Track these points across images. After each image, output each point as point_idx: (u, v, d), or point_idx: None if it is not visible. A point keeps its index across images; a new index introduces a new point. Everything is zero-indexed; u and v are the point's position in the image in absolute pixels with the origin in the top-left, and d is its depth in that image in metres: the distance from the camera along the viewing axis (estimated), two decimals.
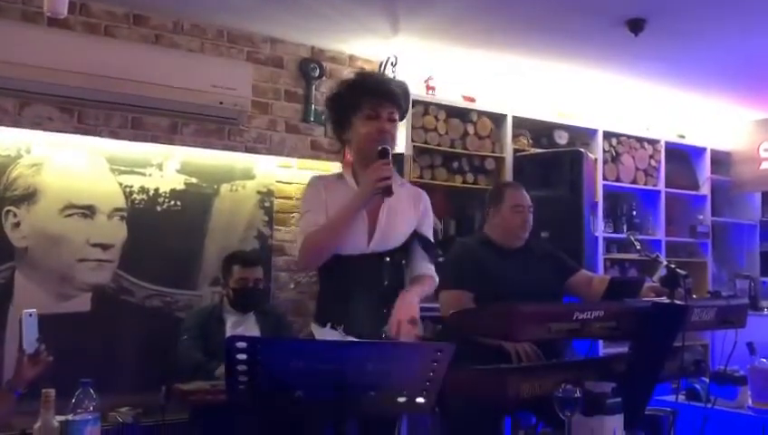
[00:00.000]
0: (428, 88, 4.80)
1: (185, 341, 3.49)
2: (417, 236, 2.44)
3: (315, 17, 3.96)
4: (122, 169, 3.89)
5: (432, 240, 2.50)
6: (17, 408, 2.50)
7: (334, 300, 2.37)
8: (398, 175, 2.48)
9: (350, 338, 2.27)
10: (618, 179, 5.62)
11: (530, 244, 3.31)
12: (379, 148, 2.28)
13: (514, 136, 5.09)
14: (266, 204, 4.30)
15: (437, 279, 2.55)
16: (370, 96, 2.36)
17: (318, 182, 2.47)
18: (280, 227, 4.34)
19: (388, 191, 2.21)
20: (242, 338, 1.64)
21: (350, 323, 2.29)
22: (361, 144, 2.39)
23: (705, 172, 6.14)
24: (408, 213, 2.46)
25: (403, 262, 2.40)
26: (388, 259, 2.36)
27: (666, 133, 5.96)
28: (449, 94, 4.90)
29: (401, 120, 2.46)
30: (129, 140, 3.84)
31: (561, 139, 5.33)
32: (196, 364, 3.37)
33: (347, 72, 4.55)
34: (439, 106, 4.80)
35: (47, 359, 2.48)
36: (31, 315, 2.44)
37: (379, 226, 2.36)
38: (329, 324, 2.32)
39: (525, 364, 2.61)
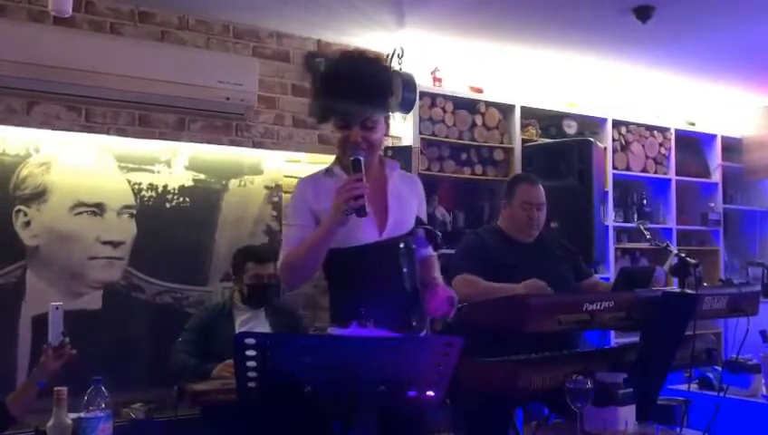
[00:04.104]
0: (435, 79, 4.78)
1: (179, 343, 3.50)
2: (420, 223, 2.38)
3: (321, 11, 3.95)
4: (131, 166, 3.90)
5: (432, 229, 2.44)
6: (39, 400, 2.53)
7: (354, 296, 2.24)
8: (391, 160, 2.44)
9: (381, 333, 2.16)
10: (627, 168, 5.59)
11: (544, 237, 3.30)
12: (351, 159, 2.14)
13: (523, 126, 5.07)
14: (275, 199, 4.30)
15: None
16: (340, 106, 2.22)
17: (303, 186, 2.35)
18: None
19: (361, 211, 2.06)
20: (251, 334, 1.64)
21: (379, 317, 2.18)
22: (337, 149, 2.34)
23: (715, 159, 6.10)
24: (412, 199, 2.40)
25: (413, 247, 2.33)
26: (402, 245, 2.28)
27: (675, 121, 5.92)
28: (456, 86, 4.88)
29: (396, 111, 2.36)
30: (137, 137, 3.85)
31: (570, 128, 5.30)
32: (182, 367, 3.37)
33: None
34: (446, 97, 4.79)
35: (70, 352, 2.54)
36: (57, 308, 2.47)
37: (392, 212, 2.28)
38: (354, 323, 2.19)
39: (537, 356, 2.60)
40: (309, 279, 2.29)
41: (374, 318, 2.18)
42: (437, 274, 2.43)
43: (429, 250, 2.43)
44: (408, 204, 2.36)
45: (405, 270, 2.27)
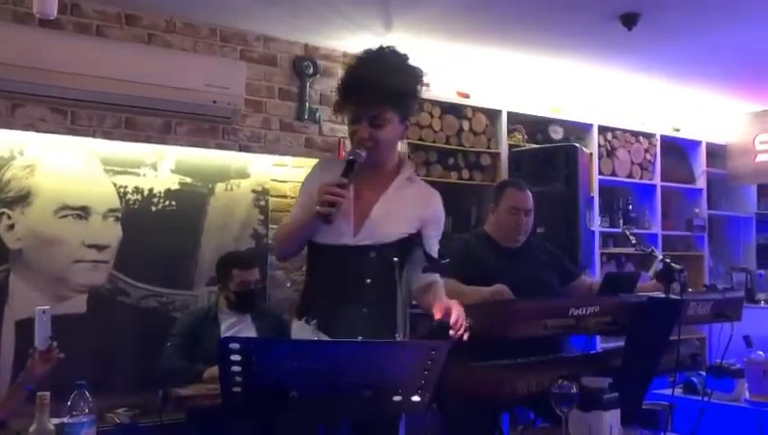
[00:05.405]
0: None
1: (169, 347, 3.48)
2: (419, 245, 2.24)
3: (308, 15, 3.95)
4: (116, 169, 3.88)
5: (435, 253, 2.29)
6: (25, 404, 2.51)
7: (312, 292, 2.25)
8: (410, 170, 2.36)
9: (322, 335, 2.13)
10: (613, 174, 5.63)
11: (530, 242, 3.30)
12: (348, 158, 2.11)
13: (509, 131, 5.09)
14: (261, 203, 4.29)
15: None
16: (351, 98, 2.19)
17: (317, 166, 2.34)
18: (275, 226, 4.32)
19: (326, 219, 2.02)
20: (235, 339, 1.63)
21: (325, 320, 2.15)
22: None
23: (700, 165, 6.15)
24: (412, 211, 2.26)
25: (394, 260, 2.19)
26: (373, 255, 2.17)
27: (661, 127, 5.97)
28: (444, 91, 4.89)
29: (405, 114, 2.23)
30: (123, 140, 3.83)
31: (557, 133, 5.33)
32: (173, 370, 3.35)
33: (341, 70, 4.55)
34: (434, 102, 4.80)
35: (58, 356, 2.52)
36: (44, 312, 2.45)
37: (371, 218, 2.19)
38: (304, 319, 2.20)
39: (523, 361, 2.61)
40: (294, 256, 2.35)
41: (320, 320, 2.16)
42: (445, 298, 2.24)
43: (434, 276, 2.32)
44: (401, 214, 2.23)
45: (368, 280, 2.17)
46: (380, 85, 2.14)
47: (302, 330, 2.20)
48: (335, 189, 2.03)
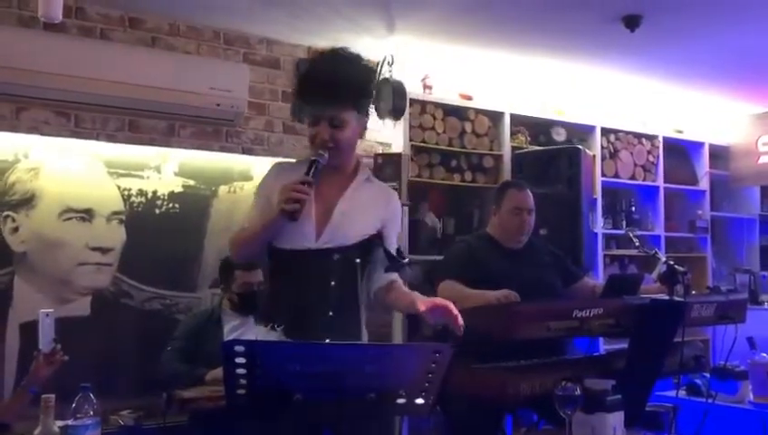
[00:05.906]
0: (425, 87, 4.80)
1: (169, 351, 3.48)
2: (380, 245, 2.23)
3: (311, 18, 3.96)
4: (120, 172, 3.89)
5: (395, 252, 2.27)
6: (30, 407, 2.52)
7: (276, 299, 2.22)
8: (367, 170, 2.35)
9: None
10: (616, 175, 5.62)
11: (533, 243, 3.31)
12: (311, 158, 2.11)
13: (512, 133, 5.09)
14: None
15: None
16: (309, 100, 2.18)
17: (274, 169, 2.32)
18: None
19: (291, 217, 2.01)
20: (240, 342, 1.63)
21: (291, 326, 2.13)
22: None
23: (703, 167, 6.15)
24: (372, 212, 2.25)
25: (357, 261, 2.19)
26: (336, 257, 2.15)
27: (663, 129, 5.96)
28: (446, 93, 4.90)
29: (362, 113, 2.22)
30: (127, 143, 3.84)
31: (559, 135, 5.33)
32: (174, 374, 3.36)
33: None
34: (437, 105, 4.80)
35: (62, 358, 2.52)
36: (48, 315, 2.47)
37: (333, 221, 2.17)
38: (270, 325, 2.17)
39: (526, 363, 2.61)
40: (255, 258, 2.38)
41: (286, 326, 2.14)
42: (418, 294, 2.26)
43: (394, 274, 2.28)
44: (363, 215, 2.23)
45: (333, 283, 2.15)
46: (337, 86, 2.15)
47: (268, 337, 2.17)
48: (300, 187, 2.02)
